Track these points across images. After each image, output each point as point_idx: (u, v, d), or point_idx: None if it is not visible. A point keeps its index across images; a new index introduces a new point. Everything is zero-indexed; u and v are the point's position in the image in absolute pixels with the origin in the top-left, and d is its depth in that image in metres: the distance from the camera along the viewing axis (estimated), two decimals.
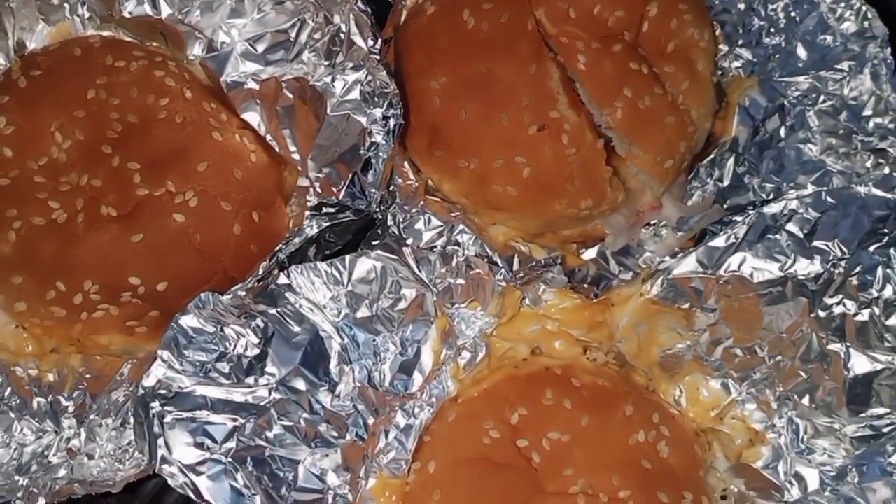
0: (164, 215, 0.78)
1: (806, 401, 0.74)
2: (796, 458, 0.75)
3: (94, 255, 0.77)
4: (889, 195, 0.71)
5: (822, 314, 0.72)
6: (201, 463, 0.65)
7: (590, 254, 0.87)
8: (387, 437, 0.75)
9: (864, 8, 0.83)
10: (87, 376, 0.80)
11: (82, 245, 0.77)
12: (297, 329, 0.72)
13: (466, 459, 0.75)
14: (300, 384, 0.71)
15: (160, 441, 0.65)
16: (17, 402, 0.78)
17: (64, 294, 0.77)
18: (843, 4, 0.83)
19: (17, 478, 0.75)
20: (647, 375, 0.80)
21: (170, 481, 0.64)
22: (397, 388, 0.75)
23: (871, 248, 0.71)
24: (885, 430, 0.73)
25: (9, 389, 0.78)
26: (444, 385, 0.78)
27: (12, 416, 0.77)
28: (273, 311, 0.71)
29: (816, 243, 0.72)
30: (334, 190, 0.78)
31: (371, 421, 0.73)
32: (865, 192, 0.72)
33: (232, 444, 0.66)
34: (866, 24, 0.82)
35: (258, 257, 0.79)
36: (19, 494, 0.74)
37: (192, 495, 0.64)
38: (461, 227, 0.83)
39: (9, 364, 0.79)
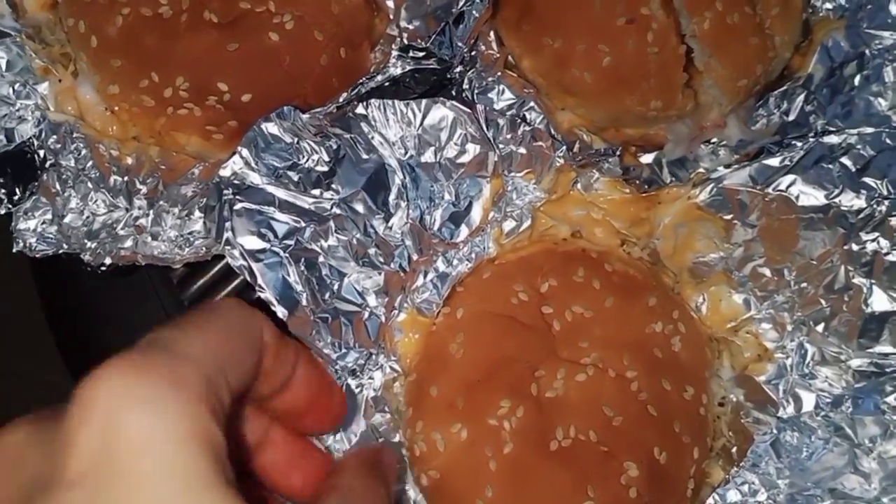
0: (260, 31, 0.81)
1: (820, 328, 0.77)
2: (798, 380, 0.78)
3: (190, 54, 0.80)
4: None
5: (855, 248, 0.74)
6: (261, 251, 0.70)
7: (646, 158, 0.88)
8: (425, 277, 0.79)
9: None
10: (162, 167, 0.84)
11: (181, 42, 0.80)
12: (365, 157, 0.75)
13: (493, 313, 0.79)
14: (359, 207, 0.74)
15: (227, 225, 0.69)
16: (96, 175, 0.82)
17: (156, 85, 0.81)
18: None
19: (85, 241, 0.80)
20: (676, 278, 0.83)
21: (230, 261, 0.69)
22: (444, 235, 0.78)
23: None
24: (887, 370, 0.75)
25: (90, 162, 0.82)
26: (485, 245, 0.81)
27: (90, 186, 0.82)
28: (347, 136, 0.75)
29: (866, 179, 0.74)
30: (421, 43, 0.81)
31: (415, 257, 0.77)
32: None
33: (290, 242, 0.71)
34: None
35: (338, 91, 0.82)
36: (88, 254, 0.80)
37: (247, 277, 0.69)
38: (531, 104, 0.85)
39: (94, 140, 0.83)
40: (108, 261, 0.79)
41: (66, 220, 0.81)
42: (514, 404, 0.74)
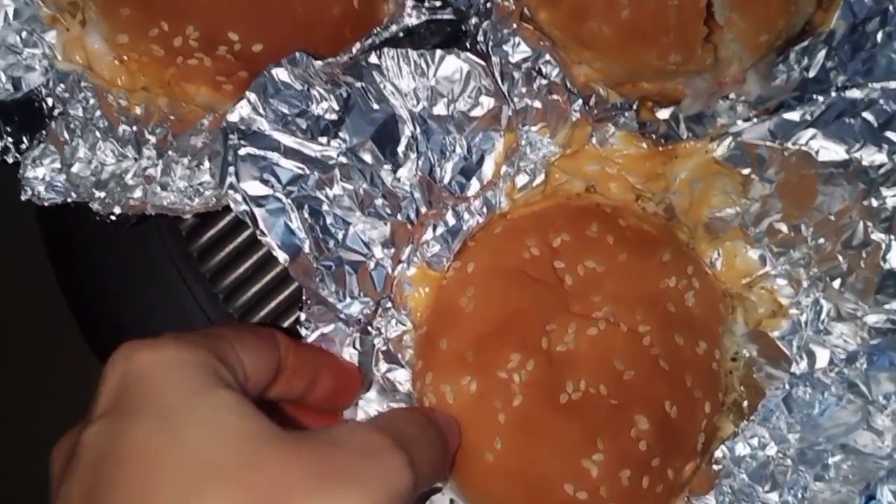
0: None
1: (836, 284, 0.76)
2: (812, 336, 0.77)
3: (200, 3, 0.79)
4: None
5: (875, 203, 0.73)
6: (264, 197, 0.70)
7: (663, 114, 0.87)
8: (434, 231, 0.78)
9: None
10: (171, 118, 0.83)
11: None
12: (376, 106, 0.74)
13: (504, 268, 0.78)
14: (367, 157, 0.74)
15: (231, 170, 0.69)
16: (105, 124, 0.81)
17: (165, 34, 0.80)
18: None
19: (94, 190, 0.80)
20: (691, 234, 0.82)
21: (232, 206, 0.69)
22: (454, 188, 0.78)
23: None
24: None
25: (98, 111, 0.81)
26: (497, 200, 0.81)
27: (98, 135, 0.81)
28: (358, 85, 0.74)
29: (888, 134, 0.72)
30: None
31: (423, 210, 0.77)
32: None
33: (294, 189, 0.70)
34: None
35: (351, 42, 0.82)
36: (97, 203, 0.79)
37: (249, 223, 0.69)
38: (547, 56, 0.84)
39: (102, 90, 0.82)
40: (117, 210, 0.79)
41: (74, 169, 0.81)
42: (525, 358, 0.74)
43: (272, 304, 0.94)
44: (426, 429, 0.66)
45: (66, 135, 0.80)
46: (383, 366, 0.78)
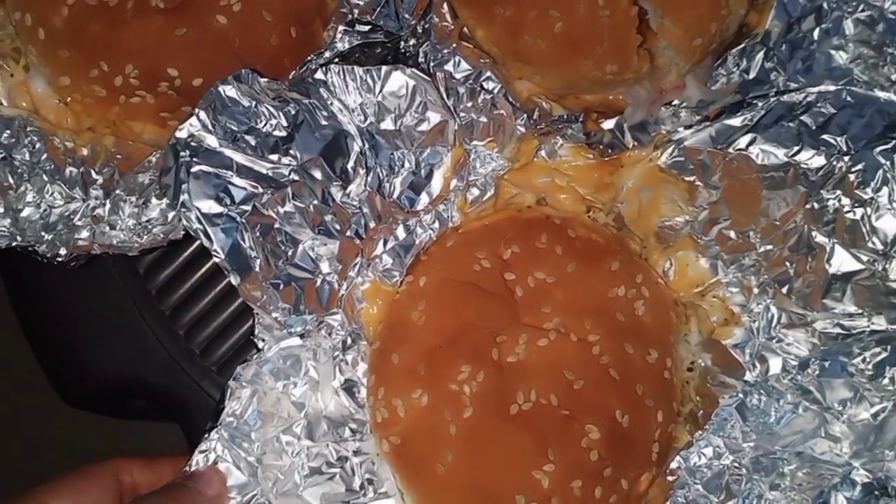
0: (208, 14, 0.83)
1: (785, 290, 0.78)
2: (765, 343, 0.79)
3: (137, 41, 0.83)
4: None
5: (816, 206, 0.75)
6: (217, 216, 0.72)
7: (608, 124, 0.90)
8: (385, 245, 0.81)
9: None
10: (118, 156, 0.87)
11: (128, 29, 0.83)
12: (324, 123, 0.77)
13: (456, 281, 0.81)
14: (317, 173, 0.76)
15: (184, 187, 0.71)
16: (52, 167, 0.85)
17: (106, 74, 0.84)
18: None
19: (42, 233, 0.84)
20: (642, 243, 0.84)
21: (185, 223, 0.72)
22: (403, 203, 0.81)
23: (877, 150, 0.73)
24: (853, 332, 0.76)
25: (45, 155, 0.85)
26: (449, 215, 0.83)
27: (45, 179, 0.85)
28: (306, 101, 0.77)
29: (825, 136, 0.74)
30: (366, 17, 0.84)
31: (372, 225, 0.80)
32: (885, 97, 0.74)
33: (247, 208, 0.73)
34: None
35: (290, 71, 0.85)
36: (44, 245, 0.82)
37: (203, 240, 0.72)
38: (488, 73, 0.86)
39: (48, 133, 0.86)
40: (63, 251, 0.82)
41: (24, 213, 0.84)
42: (475, 369, 0.76)
43: (233, 339, 0.96)
44: None
45: (11, 180, 0.84)
46: (340, 378, 0.80)
